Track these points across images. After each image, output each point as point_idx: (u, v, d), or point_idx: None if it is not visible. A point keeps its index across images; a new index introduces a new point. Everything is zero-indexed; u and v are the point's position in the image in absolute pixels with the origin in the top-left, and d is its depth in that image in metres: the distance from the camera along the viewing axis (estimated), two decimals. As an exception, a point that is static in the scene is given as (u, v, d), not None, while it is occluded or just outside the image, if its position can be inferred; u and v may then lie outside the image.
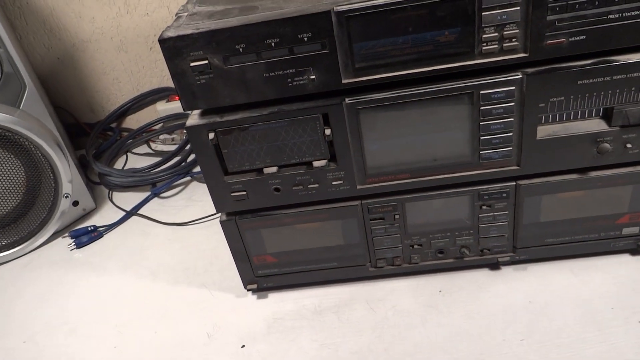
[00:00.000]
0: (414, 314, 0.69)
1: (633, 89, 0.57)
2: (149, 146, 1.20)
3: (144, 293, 0.81)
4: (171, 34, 0.55)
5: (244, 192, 0.65)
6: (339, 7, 0.53)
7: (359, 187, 0.65)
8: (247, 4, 0.59)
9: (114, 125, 1.24)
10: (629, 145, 0.61)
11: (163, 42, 0.55)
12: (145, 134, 1.21)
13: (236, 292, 0.77)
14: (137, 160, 1.17)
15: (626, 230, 0.69)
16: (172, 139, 1.17)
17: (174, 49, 0.55)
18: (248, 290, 0.76)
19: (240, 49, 0.55)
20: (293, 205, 0.68)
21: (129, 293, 0.82)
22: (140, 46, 1.15)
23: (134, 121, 1.25)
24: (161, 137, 1.19)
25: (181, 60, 0.56)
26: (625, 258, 0.72)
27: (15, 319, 0.81)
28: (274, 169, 0.64)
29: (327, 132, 0.60)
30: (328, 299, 0.74)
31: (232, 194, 0.65)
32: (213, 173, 0.64)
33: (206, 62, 0.56)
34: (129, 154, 1.19)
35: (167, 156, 1.08)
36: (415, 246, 0.71)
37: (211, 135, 0.60)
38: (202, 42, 0.55)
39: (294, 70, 0.56)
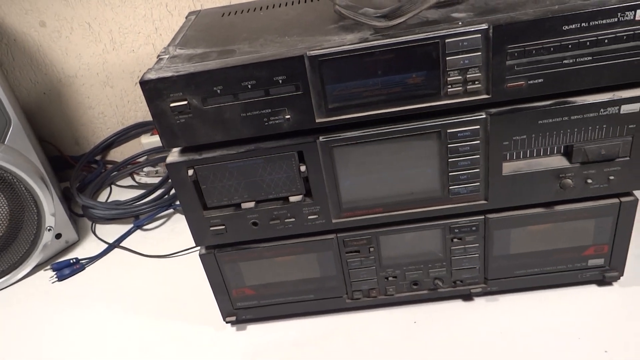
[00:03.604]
0: (390, 345, 0.71)
1: (590, 128, 0.61)
2: (133, 178, 1.22)
3: (126, 327, 0.82)
4: (152, 76, 0.58)
5: (223, 227, 0.67)
6: (311, 52, 0.56)
7: (334, 221, 0.67)
8: (226, 48, 0.62)
9: (98, 157, 1.26)
10: (589, 181, 0.64)
11: (144, 84, 0.57)
12: (130, 166, 1.23)
13: (215, 324, 0.78)
14: (121, 192, 1.18)
15: (592, 262, 0.72)
16: (156, 172, 1.19)
17: (154, 90, 0.58)
18: (227, 322, 0.77)
19: (218, 91, 0.58)
20: (271, 239, 0.69)
21: (111, 327, 0.83)
22: (125, 81, 1.18)
23: (118, 154, 1.27)
24: (145, 169, 1.21)
25: (161, 101, 0.58)
26: (592, 289, 0.74)
27: (-6, 353, 0.82)
28: (251, 204, 0.66)
29: (303, 168, 0.63)
30: (307, 331, 0.75)
31: (211, 228, 0.67)
32: (192, 208, 0.66)
33: (185, 102, 0.58)
34: (113, 186, 1.21)
35: (150, 189, 1.10)
36: (390, 278, 0.73)
37: (190, 172, 0.62)
38: (181, 84, 0.57)
39: (269, 110, 0.59)
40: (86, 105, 1.21)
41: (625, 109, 0.59)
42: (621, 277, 0.73)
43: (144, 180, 1.20)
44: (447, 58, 0.56)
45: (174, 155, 0.63)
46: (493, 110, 0.60)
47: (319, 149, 0.62)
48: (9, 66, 1.15)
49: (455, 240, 0.70)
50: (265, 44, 0.61)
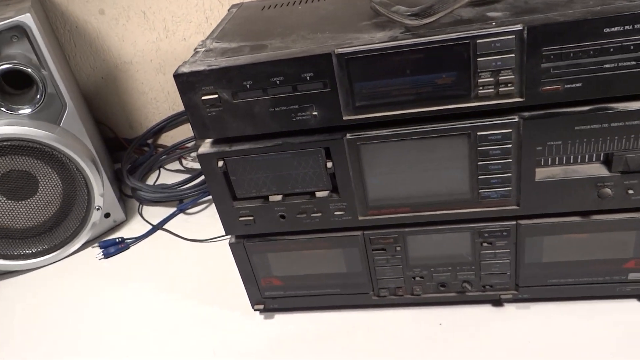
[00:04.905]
0: (412, 346, 0.70)
1: (632, 136, 0.57)
2: (181, 163, 1.26)
3: (160, 305, 0.86)
4: (185, 69, 0.59)
5: (251, 217, 0.69)
6: (339, 50, 0.56)
7: (360, 218, 0.67)
8: (259, 42, 0.63)
9: (150, 141, 1.31)
10: (630, 192, 0.61)
11: (177, 77, 0.59)
12: (179, 150, 1.27)
13: (244, 311, 0.80)
14: (168, 176, 1.23)
15: (632, 276, 0.68)
16: (203, 158, 1.23)
17: (187, 83, 0.60)
18: (255, 310, 0.79)
19: (248, 86, 0.59)
20: (297, 232, 0.70)
21: (146, 305, 0.87)
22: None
23: (169, 138, 1.32)
24: (192, 154, 1.25)
25: (194, 93, 0.60)
26: (632, 304, 0.70)
27: (45, 324, 0.88)
28: (279, 197, 0.67)
29: (329, 165, 0.63)
30: (331, 324, 0.76)
31: (240, 219, 0.69)
32: (222, 198, 0.68)
33: (216, 96, 0.60)
34: (161, 169, 1.26)
35: (194, 174, 1.13)
36: (417, 278, 0.73)
37: (220, 163, 0.64)
38: (212, 78, 0.59)
39: (297, 106, 0.60)
40: (140, 91, 1.26)
41: (673, 117, 0.55)
42: (664, 294, 0.69)
43: (191, 165, 1.24)
44: (479, 59, 0.55)
45: (205, 146, 0.65)
46: (526, 114, 0.58)
47: (346, 146, 0.62)
48: (71, 52, 1.21)
49: (484, 244, 0.68)
50: (296, 40, 0.61)
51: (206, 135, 0.64)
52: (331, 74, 0.57)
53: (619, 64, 0.53)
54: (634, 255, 0.66)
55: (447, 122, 0.59)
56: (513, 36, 0.53)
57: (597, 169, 0.61)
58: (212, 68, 0.58)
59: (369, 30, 0.60)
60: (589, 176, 0.61)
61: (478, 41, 0.54)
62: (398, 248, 0.70)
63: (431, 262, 0.71)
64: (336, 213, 0.67)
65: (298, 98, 0.59)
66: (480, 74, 0.55)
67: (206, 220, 1.06)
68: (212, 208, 1.10)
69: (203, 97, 0.60)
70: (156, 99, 1.27)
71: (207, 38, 0.68)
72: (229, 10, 0.81)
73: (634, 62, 0.53)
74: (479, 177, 0.62)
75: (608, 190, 0.61)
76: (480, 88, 0.56)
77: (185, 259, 0.96)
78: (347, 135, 0.61)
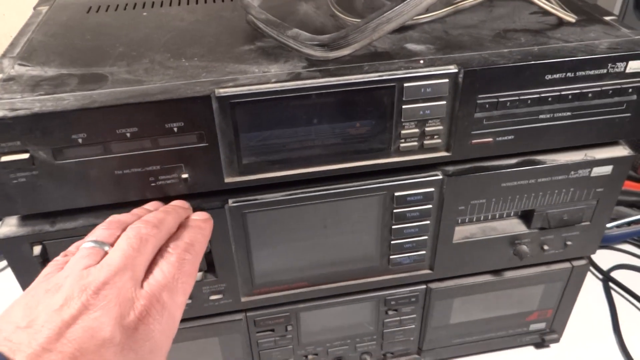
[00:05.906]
0: None
1: (556, 191, 0.51)
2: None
3: None
4: (-31, 115, 0.37)
5: (88, 313, 0.48)
6: (222, 91, 0.39)
7: (243, 300, 0.52)
8: (92, 70, 0.42)
9: None
10: (545, 247, 0.55)
11: (-45, 127, 0.37)
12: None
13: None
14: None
15: (533, 326, 0.64)
16: None
17: (-27, 137, 0.37)
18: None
19: (80, 140, 0.39)
20: (157, 324, 0.52)
21: None
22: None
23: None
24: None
25: (-14, 152, 0.38)
26: (529, 351, 0.67)
27: None
28: (130, 285, 0.48)
29: (204, 241, 0.46)
30: None
31: (71, 317, 0.48)
32: (41, 294, 0.46)
33: (27, 156, 0.39)
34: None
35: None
36: (310, 356, 0.60)
37: (37, 250, 0.43)
38: (20, 130, 0.38)
39: (158, 167, 0.41)
40: None
41: (597, 171, 0.50)
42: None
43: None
44: (404, 107, 0.43)
45: (9, 226, 0.43)
46: (451, 170, 0.48)
47: (228, 216, 0.45)
48: None
49: (390, 312, 0.58)
50: (151, 68, 0.43)
51: (11, 211, 0.42)
52: (210, 124, 0.40)
53: (555, 115, 0.46)
54: (538, 307, 0.62)
55: (358, 180, 0.47)
56: (447, 80, 0.42)
57: (515, 226, 0.54)
58: (19, 114, 0.37)
59: (256, 59, 0.44)
60: (507, 234, 0.53)
61: (405, 85, 0.41)
62: (289, 327, 0.56)
63: (327, 336, 0.59)
64: (212, 297, 0.50)
65: (160, 156, 0.41)
66: (404, 125, 0.44)
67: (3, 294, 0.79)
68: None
69: (4, 159, 0.38)
70: None
71: (4, 55, 0.46)
72: (35, 8, 0.57)
73: (569, 113, 0.46)
74: (392, 242, 0.51)
75: (524, 248, 0.54)
76: (402, 141, 0.44)
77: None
78: (230, 202, 0.45)
